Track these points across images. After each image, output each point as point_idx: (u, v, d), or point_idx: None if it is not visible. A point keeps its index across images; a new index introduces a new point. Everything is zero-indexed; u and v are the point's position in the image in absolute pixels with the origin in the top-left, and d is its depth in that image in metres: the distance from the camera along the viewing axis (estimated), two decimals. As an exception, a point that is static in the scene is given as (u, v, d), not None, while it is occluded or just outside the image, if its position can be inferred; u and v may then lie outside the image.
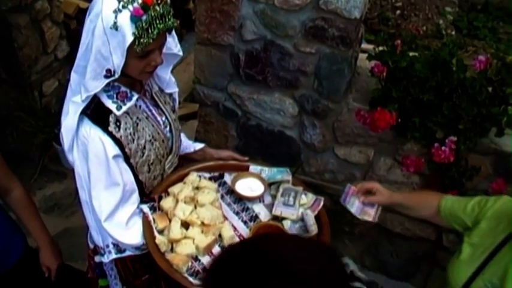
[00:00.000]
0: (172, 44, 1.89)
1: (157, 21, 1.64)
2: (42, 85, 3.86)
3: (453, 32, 4.97)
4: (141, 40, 1.62)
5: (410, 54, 2.67)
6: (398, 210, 2.25)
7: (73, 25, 4.04)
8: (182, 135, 2.32)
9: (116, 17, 1.59)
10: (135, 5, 1.60)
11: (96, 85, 1.69)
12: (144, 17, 1.60)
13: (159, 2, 1.64)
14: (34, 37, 3.64)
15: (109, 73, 1.67)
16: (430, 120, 2.56)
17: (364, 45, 3.07)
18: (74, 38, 4.00)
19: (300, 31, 2.63)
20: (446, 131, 2.56)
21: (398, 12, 5.04)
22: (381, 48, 2.71)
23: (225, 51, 2.87)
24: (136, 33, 1.61)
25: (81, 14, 4.08)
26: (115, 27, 1.59)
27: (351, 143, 2.91)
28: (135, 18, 1.59)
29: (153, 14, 1.62)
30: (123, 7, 1.59)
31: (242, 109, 3.02)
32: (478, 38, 4.90)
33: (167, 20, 1.68)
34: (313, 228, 1.96)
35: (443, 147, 2.52)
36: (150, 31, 1.63)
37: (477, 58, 2.51)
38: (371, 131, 2.66)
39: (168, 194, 2.04)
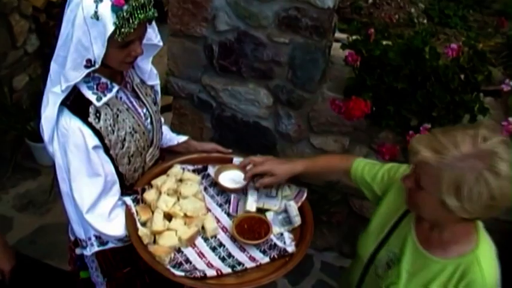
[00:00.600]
0: (153, 35, 1.89)
1: (138, 11, 1.63)
2: (12, 80, 3.79)
3: (425, 21, 5.01)
4: (122, 30, 1.62)
5: (384, 42, 2.68)
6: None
7: (42, 18, 3.95)
8: (165, 128, 2.32)
9: (96, 7, 1.58)
10: None
11: (76, 75, 1.68)
12: (125, 7, 1.60)
13: None
14: (1, 31, 3.57)
15: (89, 63, 1.66)
16: (404, 108, 2.59)
17: (337, 35, 3.08)
18: (44, 31, 3.93)
19: (273, 21, 2.62)
20: (421, 118, 2.58)
21: (370, 1, 5.06)
22: (354, 37, 2.72)
23: (199, 42, 2.85)
24: (117, 22, 1.60)
25: (50, 7, 4.00)
26: (96, 16, 1.58)
27: (326, 132, 2.92)
28: (115, 8, 1.59)
29: (134, 4, 1.61)
30: None
31: (217, 101, 3.01)
32: (449, 26, 4.95)
33: (148, 10, 1.67)
34: (297, 220, 1.96)
35: (417, 135, 2.54)
36: (131, 21, 1.62)
37: (449, 46, 2.54)
38: (346, 120, 2.67)
39: (151, 186, 2.03)
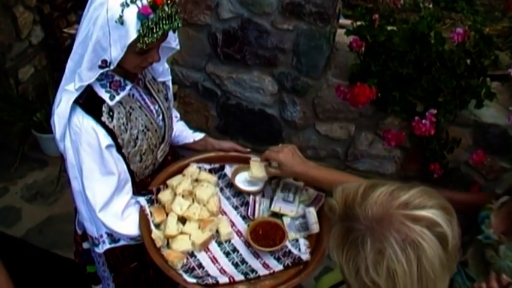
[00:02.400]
0: (172, 38, 1.83)
1: (164, 22, 1.59)
2: (18, 72, 3.78)
3: (430, 5, 4.96)
4: (145, 39, 1.57)
5: (389, 28, 2.66)
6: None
7: (46, 10, 3.93)
8: (182, 124, 2.28)
9: (122, 11, 1.52)
10: (144, 2, 1.54)
11: (90, 75, 1.65)
12: (151, 16, 1.55)
13: (168, 2, 1.59)
14: (6, 23, 3.56)
15: (104, 64, 1.62)
16: (409, 93, 2.57)
17: (342, 21, 3.06)
18: (48, 23, 3.93)
19: (277, 8, 2.61)
20: (426, 104, 2.57)
21: (375, -14, 5.02)
22: (359, 23, 2.70)
23: (202, 31, 2.84)
24: (141, 31, 1.55)
25: (54, -2, 3.99)
26: (120, 21, 1.52)
27: (331, 119, 2.92)
28: (142, 16, 1.54)
29: (160, 14, 1.57)
30: (132, 2, 1.53)
31: (221, 89, 3.00)
32: (456, 10, 4.89)
33: (173, 20, 1.62)
34: (315, 227, 1.88)
35: (423, 121, 2.53)
36: (155, 31, 1.57)
37: (455, 31, 2.52)
38: (351, 106, 2.66)
39: (166, 186, 1.99)
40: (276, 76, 2.85)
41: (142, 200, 1.93)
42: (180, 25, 1.67)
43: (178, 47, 1.91)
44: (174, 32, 1.73)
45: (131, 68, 1.75)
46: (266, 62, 2.81)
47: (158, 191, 1.97)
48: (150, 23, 1.55)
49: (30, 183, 3.68)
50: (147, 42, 1.58)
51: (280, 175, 1.98)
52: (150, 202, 1.93)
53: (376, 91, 2.54)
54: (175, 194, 1.96)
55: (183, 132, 2.28)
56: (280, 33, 2.68)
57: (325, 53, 2.69)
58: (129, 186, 1.91)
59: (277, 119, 3.02)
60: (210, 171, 2.11)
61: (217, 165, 2.14)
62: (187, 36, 2.88)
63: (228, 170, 2.12)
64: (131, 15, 1.54)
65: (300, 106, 2.91)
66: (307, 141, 3.03)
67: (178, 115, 2.27)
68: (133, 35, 1.55)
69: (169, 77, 2.10)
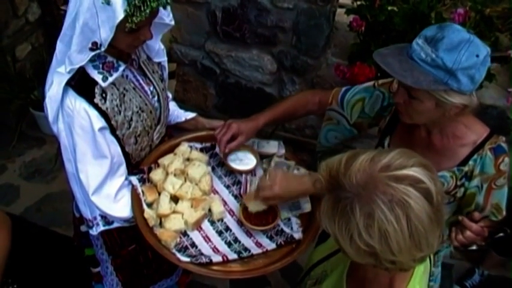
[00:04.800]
0: (165, 14, 1.80)
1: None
2: (15, 50, 3.76)
3: (431, -14, 4.94)
4: (133, 18, 1.54)
5: (389, 8, 2.65)
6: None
7: (43, -14, 3.92)
8: (172, 104, 2.26)
9: None
10: None
11: (81, 58, 1.62)
12: None
13: None
14: (2, 0, 3.53)
15: (95, 46, 1.59)
16: (409, 73, 2.56)
17: (341, 0, 3.04)
18: (44, 0, 3.90)
19: (277, -14, 2.59)
20: (425, 84, 2.56)
21: (375, -34, 4.98)
22: (359, 2, 2.68)
23: (202, 8, 2.82)
24: (128, 10, 1.52)
25: (51, -25, 3.95)
26: (106, 1, 1.50)
27: (330, 99, 2.91)
28: None
29: None
30: None
31: (220, 67, 2.99)
32: (456, -10, 4.88)
33: None
34: (307, 206, 1.91)
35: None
36: (142, 9, 1.54)
37: (456, 11, 2.50)
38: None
39: (158, 165, 1.99)
40: (276, 55, 2.84)
41: (134, 179, 1.92)
42: (169, 1, 1.64)
43: (172, 23, 1.88)
44: (164, 8, 1.69)
45: (124, 47, 1.72)
46: (265, 41, 2.80)
47: (150, 170, 1.97)
48: (137, 2, 1.53)
49: (29, 161, 3.69)
50: (136, 21, 1.56)
51: (245, 140, 1.97)
52: (142, 181, 1.93)
53: (375, 71, 2.53)
54: (167, 173, 1.96)
55: (175, 112, 2.27)
56: (280, 11, 2.66)
57: (325, 32, 2.68)
58: (123, 169, 1.91)
59: (276, 97, 3.02)
60: (201, 150, 2.11)
61: (208, 144, 2.13)
62: (186, 13, 2.86)
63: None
64: None
65: (299, 85, 2.90)
66: (305, 120, 3.03)
67: (170, 95, 2.25)
68: (120, 15, 1.52)
69: (165, 58, 2.07)
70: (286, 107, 2.02)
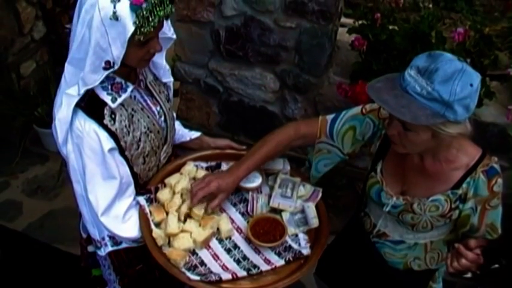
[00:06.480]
0: (166, 28, 1.81)
1: (158, 8, 1.57)
2: (20, 67, 3.79)
3: (430, 5, 4.98)
4: (142, 29, 1.56)
5: (390, 27, 2.69)
6: None
7: (49, 5, 3.95)
8: (177, 123, 2.26)
9: (114, 7, 1.51)
10: None
11: (95, 78, 1.63)
12: (144, 5, 1.53)
13: None
14: (9, 18, 3.57)
15: (108, 65, 1.61)
16: (410, 92, 2.59)
17: (343, 20, 3.08)
18: (50, 18, 3.94)
19: (280, 6, 2.63)
20: (427, 102, 2.59)
21: (375, -15, 5.03)
22: (360, 21, 2.72)
23: (205, 27, 2.86)
24: (137, 22, 1.54)
25: (56, -6, 4.00)
26: (115, 17, 1.51)
27: (332, 117, 2.93)
28: (135, 7, 1.52)
29: (153, 1, 1.55)
30: None
31: (224, 85, 3.02)
32: (455, 10, 4.91)
33: (166, 5, 1.61)
34: (314, 222, 1.92)
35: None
36: (150, 19, 1.56)
37: (456, 30, 2.54)
38: (352, 104, 2.67)
39: (164, 185, 1.99)
40: (278, 73, 2.87)
41: (142, 199, 1.92)
42: (173, 9, 1.66)
43: (174, 36, 1.89)
44: (167, 18, 1.70)
45: (135, 63, 1.73)
46: (268, 60, 2.83)
47: (157, 190, 1.96)
48: (144, 12, 1.54)
49: (31, 177, 3.70)
50: (145, 32, 1.57)
51: (226, 197, 1.91)
52: (149, 201, 1.93)
53: (377, 89, 2.56)
54: (174, 193, 1.96)
55: (179, 131, 2.27)
56: (282, 31, 2.70)
57: (327, 51, 2.71)
58: (131, 189, 1.90)
59: (279, 116, 3.04)
60: (207, 169, 2.10)
61: (213, 163, 2.13)
62: (190, 32, 2.89)
63: (225, 167, 2.11)
64: (124, 9, 1.52)
65: (301, 103, 2.93)
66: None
67: (174, 114, 2.26)
68: (131, 28, 1.54)
69: (171, 79, 2.09)
70: (267, 151, 1.94)
